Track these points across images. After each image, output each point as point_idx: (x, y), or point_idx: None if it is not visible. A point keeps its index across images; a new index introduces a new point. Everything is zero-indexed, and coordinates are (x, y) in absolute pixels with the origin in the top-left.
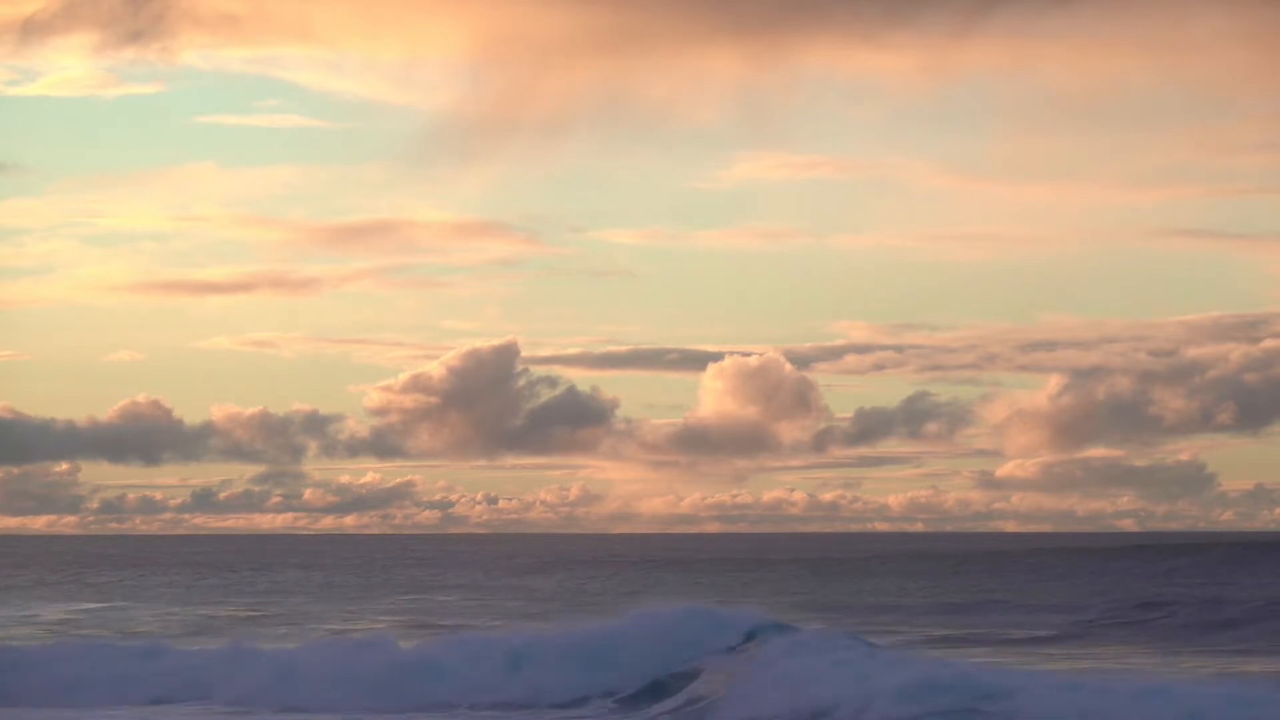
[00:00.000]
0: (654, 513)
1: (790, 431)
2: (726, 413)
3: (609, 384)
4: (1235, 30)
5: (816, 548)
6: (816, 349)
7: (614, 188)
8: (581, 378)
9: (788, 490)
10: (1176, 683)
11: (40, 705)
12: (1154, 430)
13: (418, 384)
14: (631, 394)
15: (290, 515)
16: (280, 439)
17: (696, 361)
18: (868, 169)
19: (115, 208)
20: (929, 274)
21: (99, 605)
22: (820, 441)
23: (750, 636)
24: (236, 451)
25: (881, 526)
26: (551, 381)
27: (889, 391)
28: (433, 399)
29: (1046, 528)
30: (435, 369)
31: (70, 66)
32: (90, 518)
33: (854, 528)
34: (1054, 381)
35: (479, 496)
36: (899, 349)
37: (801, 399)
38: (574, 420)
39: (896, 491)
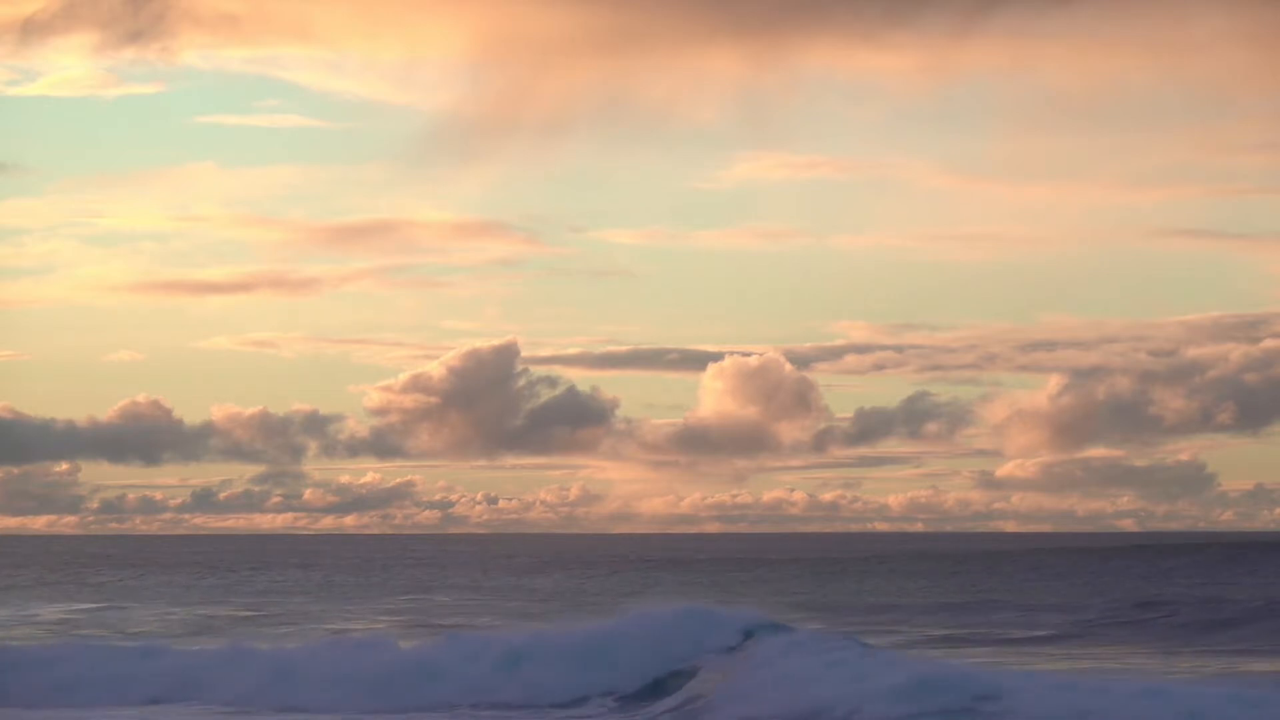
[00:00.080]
0: (654, 513)
1: (790, 431)
2: (726, 413)
3: (609, 384)
4: (1235, 30)
5: (816, 548)
6: (816, 349)
7: (614, 188)
8: (581, 378)
9: (788, 490)
10: (1175, 682)
11: (39, 705)
12: (1154, 430)
13: (418, 384)
14: (631, 394)
15: (290, 515)
16: (280, 439)
17: (696, 361)
18: (868, 169)
19: (115, 208)
20: (929, 274)
21: (98, 605)
22: (820, 441)
23: (748, 636)
24: (236, 451)
25: (881, 526)
26: (551, 381)
27: (889, 391)
28: (433, 399)
29: (1046, 528)
30: (435, 369)
31: (70, 66)
32: (90, 518)
33: (854, 528)
34: (1054, 381)
35: (479, 496)
36: (899, 349)
37: (801, 399)
38: (574, 420)
39: (896, 491)
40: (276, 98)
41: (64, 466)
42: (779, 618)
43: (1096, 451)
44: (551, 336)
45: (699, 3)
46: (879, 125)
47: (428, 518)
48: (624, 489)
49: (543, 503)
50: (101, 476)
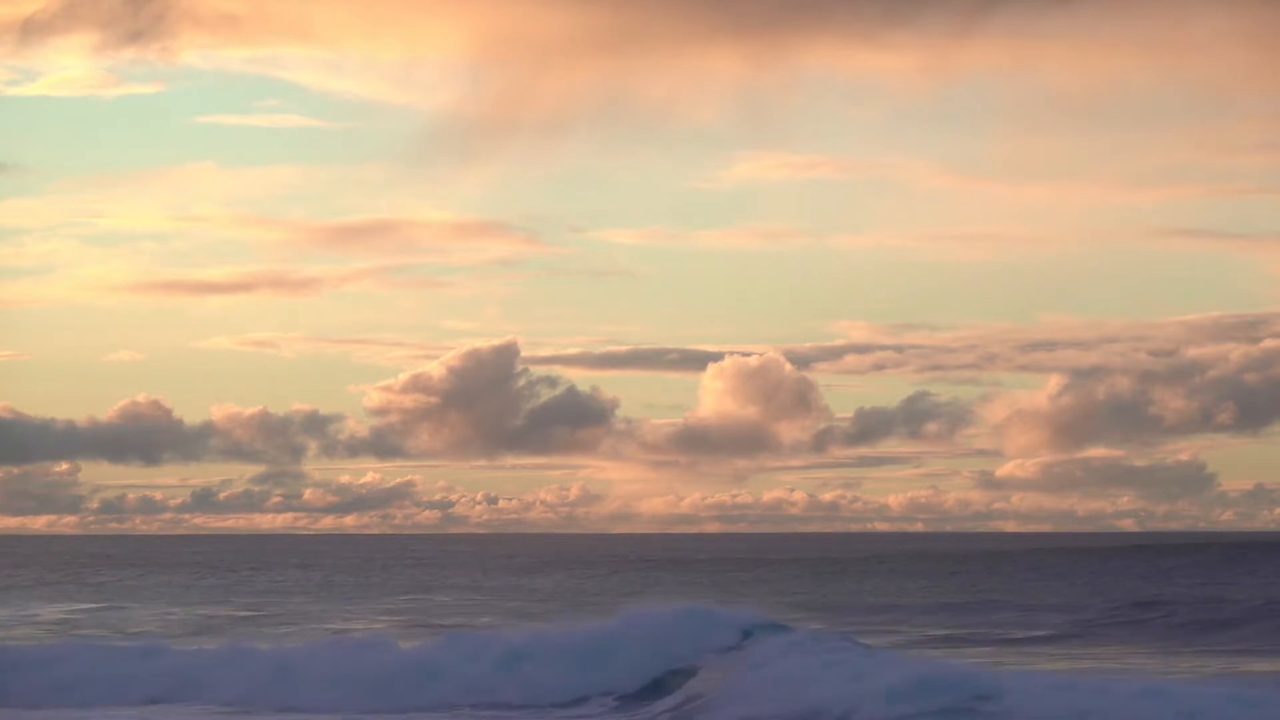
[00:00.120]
0: (654, 513)
1: (790, 431)
2: (726, 413)
3: (609, 384)
4: (1235, 30)
5: (816, 548)
6: (816, 349)
7: (614, 188)
8: (581, 378)
9: (788, 490)
10: (1174, 682)
11: (38, 706)
12: (1154, 430)
13: (418, 384)
14: (631, 394)
15: (290, 515)
16: (280, 439)
17: (696, 361)
18: (868, 169)
19: (115, 208)
20: (929, 274)
21: (98, 605)
22: (820, 441)
23: (746, 636)
24: (236, 451)
25: (881, 526)
26: (551, 381)
27: (889, 391)
28: (433, 399)
29: (1046, 528)
30: (435, 369)
31: (70, 66)
32: (90, 518)
33: (854, 528)
34: (1054, 381)
35: (479, 496)
36: (899, 349)
37: (801, 399)
38: (574, 420)
39: (896, 491)
40: (276, 98)
41: (64, 466)
42: (778, 618)
43: (1096, 451)
44: (551, 336)
45: (699, 3)
46: (879, 125)
47: (428, 518)
48: (624, 489)
49: (543, 503)
50: (101, 476)
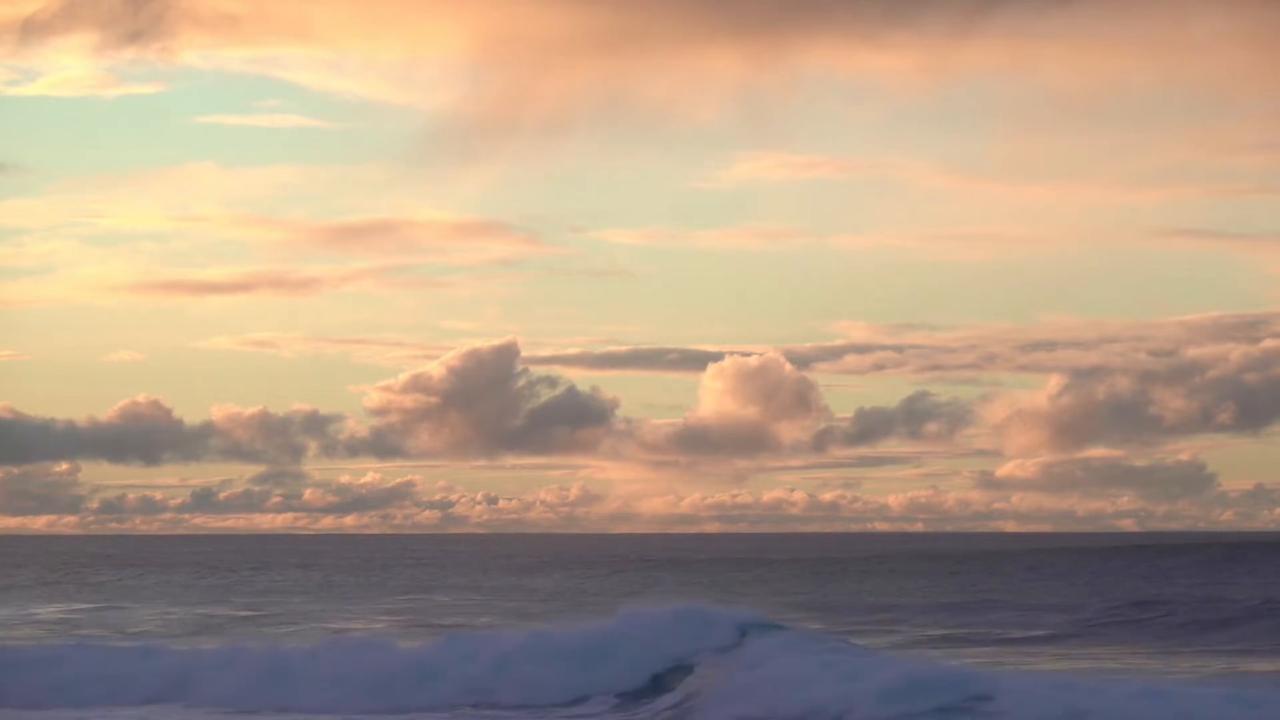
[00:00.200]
0: (654, 513)
1: (790, 431)
2: (726, 413)
3: (609, 384)
4: (1235, 30)
5: (816, 548)
6: (816, 349)
7: (614, 188)
8: (581, 378)
9: (788, 490)
10: (1173, 682)
11: (38, 706)
12: (1154, 430)
13: (418, 384)
14: (631, 394)
15: (290, 515)
16: (280, 439)
17: (696, 361)
18: (868, 169)
19: (115, 208)
20: (929, 274)
21: (97, 605)
22: (820, 441)
23: (743, 636)
24: (236, 451)
25: (881, 526)
26: (551, 381)
27: (889, 391)
28: (433, 399)
29: (1046, 528)
30: (435, 369)
31: (70, 66)
32: (90, 518)
33: (854, 528)
34: (1054, 381)
35: (479, 496)
36: (899, 349)
37: (801, 399)
38: (574, 420)
39: (896, 491)
40: (276, 98)
41: (64, 466)
42: (778, 618)
43: (1096, 451)
44: (551, 336)
45: (699, 3)
46: (879, 125)
47: (428, 518)
48: (624, 489)
49: (543, 503)
50: (101, 476)
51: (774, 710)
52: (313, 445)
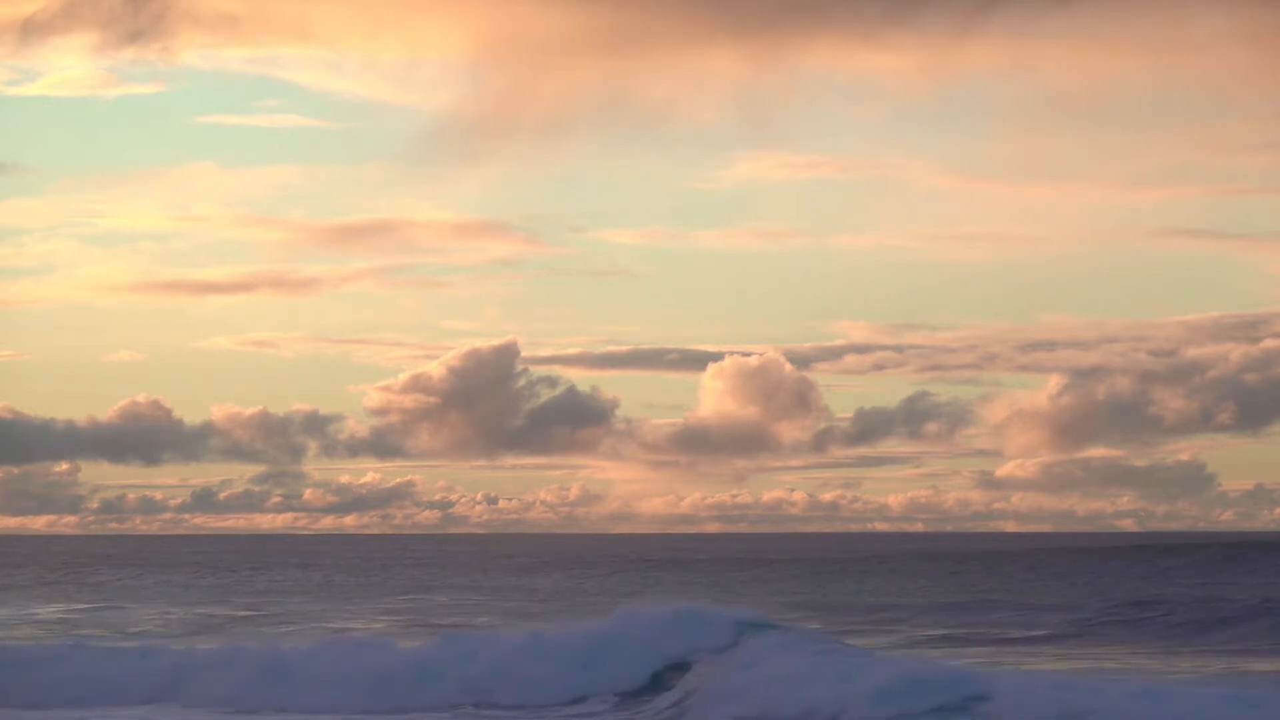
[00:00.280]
0: (654, 513)
1: (790, 431)
2: (726, 413)
3: (609, 384)
4: (1235, 30)
5: (816, 548)
6: (816, 349)
7: (614, 188)
8: (581, 378)
9: (788, 490)
10: (1171, 682)
11: (36, 706)
12: (1154, 430)
13: (418, 384)
14: (631, 394)
15: (290, 515)
16: (280, 439)
17: (696, 361)
18: (868, 169)
19: (115, 208)
20: (929, 274)
21: (97, 605)
22: (820, 441)
23: (740, 636)
24: (236, 451)
25: (881, 526)
26: (551, 381)
27: (889, 391)
28: (433, 399)
29: (1046, 528)
30: (435, 369)
31: (70, 66)
32: (90, 518)
33: (854, 528)
34: (1054, 381)
35: (479, 496)
36: (899, 349)
37: (801, 399)
38: (574, 420)
39: (896, 491)
40: (276, 98)
41: (64, 466)
42: (778, 617)
43: (1096, 451)
44: (551, 336)
45: (699, 3)
46: (879, 125)
47: (428, 518)
48: (624, 489)
49: (543, 503)
50: (101, 476)
51: (769, 710)
52: (313, 445)
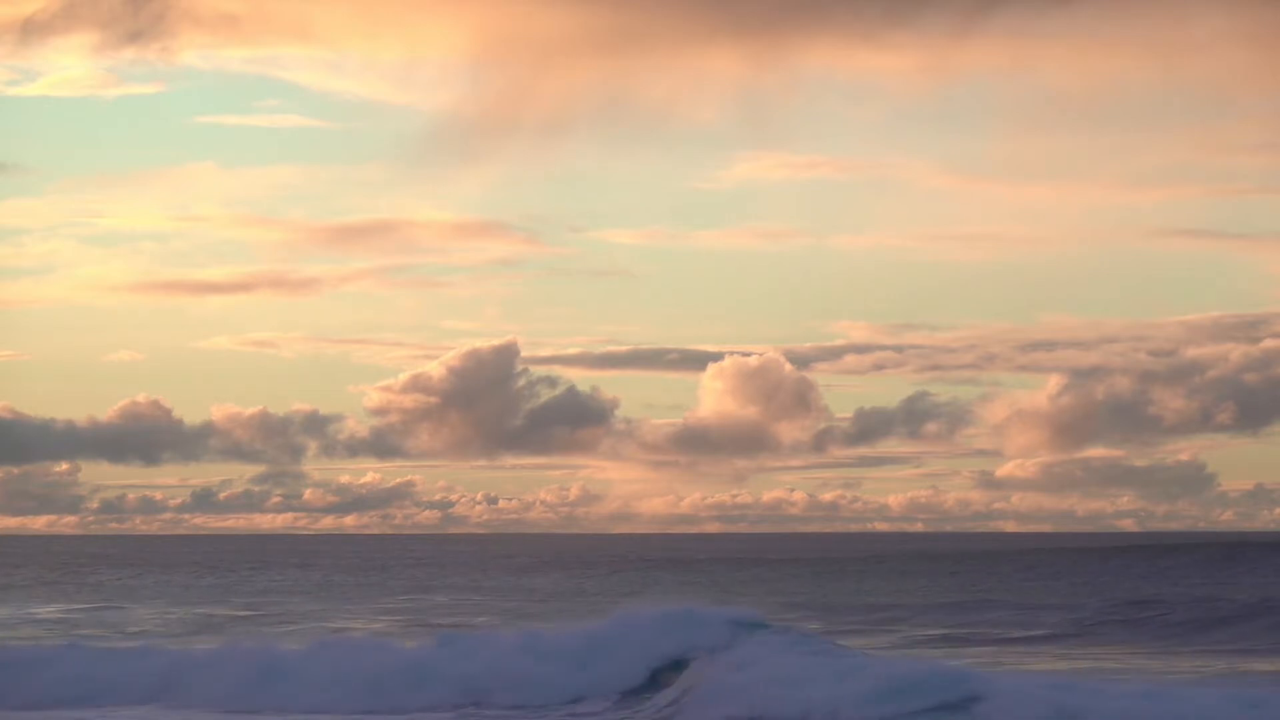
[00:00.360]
0: (654, 513)
1: (790, 431)
2: (726, 413)
3: (609, 384)
4: (1235, 30)
5: (816, 548)
6: (816, 349)
7: (614, 188)
8: (581, 378)
9: (788, 490)
10: (1168, 682)
11: (35, 707)
12: (1154, 430)
13: (418, 384)
14: (631, 394)
15: (290, 515)
16: (280, 439)
17: (696, 361)
18: (868, 169)
19: (115, 208)
20: (929, 274)
21: (97, 605)
22: (820, 441)
23: (735, 636)
24: (236, 451)
25: (881, 526)
26: (551, 381)
27: (889, 391)
28: (433, 399)
29: (1046, 528)
30: (435, 369)
31: (70, 66)
32: (90, 518)
33: (854, 528)
34: (1054, 381)
35: (479, 496)
36: (899, 349)
37: (801, 399)
38: (574, 420)
39: (896, 491)
40: (276, 98)
41: (64, 466)
42: (777, 617)
43: (1096, 451)
44: (551, 336)
45: (699, 3)
46: (879, 125)
47: (428, 518)
48: (624, 489)
49: (543, 503)
50: (101, 476)
51: (764, 711)
52: (313, 445)
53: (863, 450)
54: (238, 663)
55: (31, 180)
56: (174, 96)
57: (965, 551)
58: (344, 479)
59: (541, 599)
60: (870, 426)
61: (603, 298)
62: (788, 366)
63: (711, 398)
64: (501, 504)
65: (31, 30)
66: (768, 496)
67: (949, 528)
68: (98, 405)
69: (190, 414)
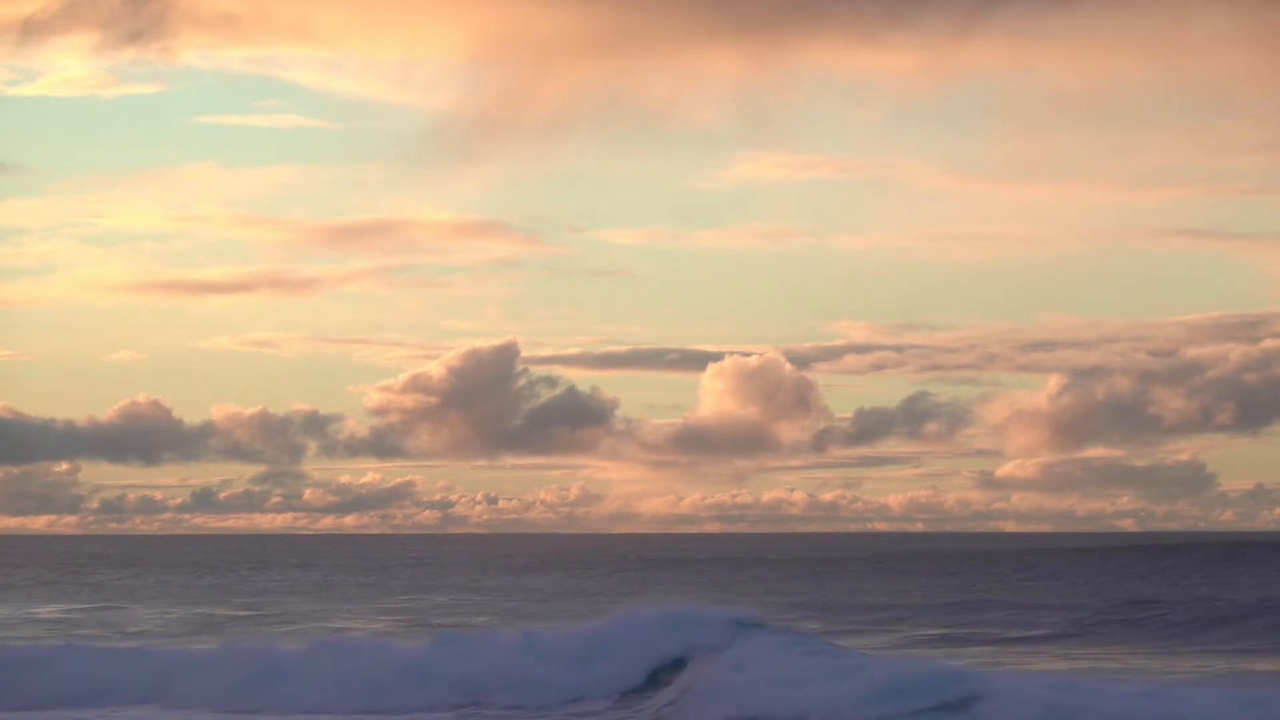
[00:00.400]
0: (654, 513)
1: (790, 431)
2: (726, 413)
3: (609, 384)
4: (1235, 30)
5: (816, 548)
6: (816, 349)
7: (614, 188)
8: (581, 378)
9: (788, 490)
10: (1168, 682)
11: (34, 707)
12: (1154, 430)
13: (418, 384)
14: (631, 394)
15: (290, 515)
16: (280, 439)
17: (696, 361)
18: (868, 169)
19: (115, 208)
20: (929, 274)
21: (96, 605)
22: (820, 441)
23: (734, 636)
24: (236, 451)
25: (881, 526)
26: (551, 381)
27: (889, 391)
28: (433, 399)
29: (1046, 528)
30: (435, 369)
31: (70, 66)
32: (90, 518)
33: (854, 528)
34: (1054, 381)
35: (479, 496)
36: (899, 349)
37: (801, 399)
38: (574, 420)
39: (896, 491)
40: (276, 98)
41: (64, 466)
42: (777, 617)
43: (1096, 451)
44: (551, 336)
45: (699, 3)
46: (879, 125)
47: (428, 518)
48: (624, 489)
49: (543, 503)
50: (101, 476)
51: (763, 711)
52: (313, 445)
53: (863, 450)
54: (237, 663)
55: (31, 180)
56: (174, 96)
57: (965, 551)
58: (344, 479)
59: (541, 599)
60: (870, 426)
61: (603, 298)
62: (788, 366)
63: (711, 398)
64: (501, 504)
65: (31, 30)
66: (768, 496)
67: (949, 528)
68: (98, 405)
69: (190, 414)
